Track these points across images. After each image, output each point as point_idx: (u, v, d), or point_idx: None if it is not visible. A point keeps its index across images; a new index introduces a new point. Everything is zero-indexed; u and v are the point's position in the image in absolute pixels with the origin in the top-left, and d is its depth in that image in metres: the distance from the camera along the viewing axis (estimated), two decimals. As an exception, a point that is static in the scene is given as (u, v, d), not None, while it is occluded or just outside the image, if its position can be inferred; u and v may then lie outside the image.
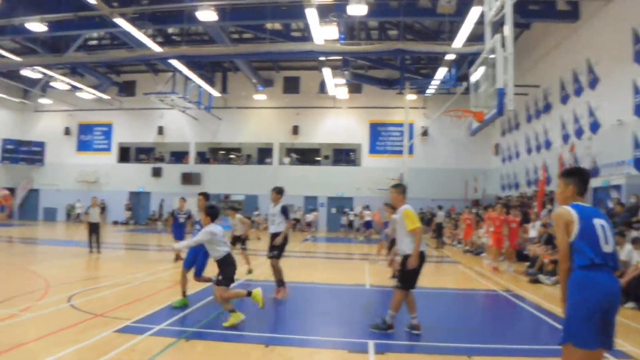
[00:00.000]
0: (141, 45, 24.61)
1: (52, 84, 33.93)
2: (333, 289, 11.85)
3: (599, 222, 4.18)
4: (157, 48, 24.55)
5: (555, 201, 9.55)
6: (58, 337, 6.80)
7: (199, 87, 32.33)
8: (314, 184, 36.60)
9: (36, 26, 21.52)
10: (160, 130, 39.11)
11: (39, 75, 31.13)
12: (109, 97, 37.82)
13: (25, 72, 30.08)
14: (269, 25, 25.83)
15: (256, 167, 38.21)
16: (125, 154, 41.20)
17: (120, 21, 20.87)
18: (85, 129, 40.67)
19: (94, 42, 32.29)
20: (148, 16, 22.80)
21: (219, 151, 41.48)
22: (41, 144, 40.61)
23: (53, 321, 7.69)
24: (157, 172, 38.63)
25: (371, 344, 6.89)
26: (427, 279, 11.31)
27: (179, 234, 15.31)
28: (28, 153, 40.18)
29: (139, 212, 39.16)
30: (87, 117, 40.23)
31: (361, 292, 11.66)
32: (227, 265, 7.88)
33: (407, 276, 7.28)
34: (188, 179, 37.79)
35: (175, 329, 7.43)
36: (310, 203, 36.85)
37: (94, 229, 17.38)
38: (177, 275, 12.40)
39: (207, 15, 19.70)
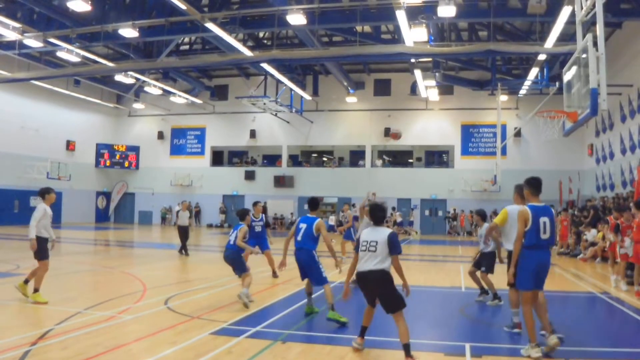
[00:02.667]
0: (232, 49, 24.71)
1: (145, 88, 34.79)
2: (428, 291, 11.60)
3: (542, 219, 6.48)
4: (248, 52, 24.61)
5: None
6: (157, 339, 6.85)
7: (291, 90, 32.20)
8: (407, 186, 36.00)
9: (128, 32, 21.82)
10: (253, 134, 39.29)
11: (132, 81, 32.00)
12: (201, 102, 38.40)
13: (119, 78, 30.91)
14: (358, 28, 25.49)
15: (348, 170, 37.97)
16: (218, 158, 41.85)
17: (211, 26, 20.99)
18: (178, 133, 41.66)
19: (186, 47, 32.84)
20: (238, 20, 22.86)
21: (311, 154, 41.42)
22: (135, 148, 41.90)
23: (151, 323, 7.75)
24: (250, 176, 38.91)
25: (467, 346, 6.74)
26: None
27: (254, 244, 12.41)
28: (122, 157, 41.61)
29: (233, 215, 39.68)
30: (180, 121, 41.18)
31: (457, 294, 11.40)
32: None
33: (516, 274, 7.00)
34: (281, 181, 37.84)
35: (272, 331, 7.33)
36: (403, 205, 36.18)
37: (183, 232, 17.49)
38: (269, 279, 12.25)
39: (296, 18, 19.60)
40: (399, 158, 39.88)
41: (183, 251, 17.42)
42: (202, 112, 39.88)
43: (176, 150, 41.48)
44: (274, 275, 12.59)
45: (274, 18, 21.94)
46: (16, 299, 9.15)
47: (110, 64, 28.15)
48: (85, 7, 19.34)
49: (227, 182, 39.43)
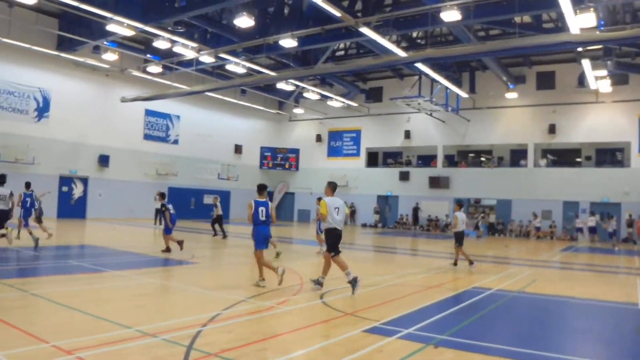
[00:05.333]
0: (386, 51, 24.95)
1: (304, 94, 36.40)
2: (595, 305, 10.44)
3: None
4: (401, 53, 24.70)
5: None
6: (310, 331, 7.15)
7: (446, 88, 31.72)
8: (574, 187, 33.18)
9: (288, 42, 23.10)
10: (407, 134, 39.41)
11: (292, 88, 33.68)
12: (356, 104, 39.25)
13: (280, 86, 32.86)
14: (517, 19, 24.40)
15: (508, 170, 35.98)
16: (373, 159, 42.46)
17: (365, 30, 21.35)
18: (335, 135, 43.01)
19: (341, 53, 33.87)
20: (391, 22, 23.11)
21: (468, 154, 40.09)
22: (295, 151, 44.06)
23: (306, 316, 8.17)
24: (404, 176, 39.03)
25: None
26: None
27: None
28: (284, 159, 43.98)
29: (387, 216, 40.19)
30: (336, 124, 42.52)
31: (631, 311, 10.05)
32: None
33: None
34: (436, 182, 37.43)
35: (424, 334, 7.15)
36: (570, 209, 33.39)
37: None
38: (426, 281, 12.35)
39: (451, 15, 19.05)
40: (565, 157, 36.69)
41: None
42: (358, 115, 40.75)
43: (333, 152, 42.86)
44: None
45: (428, 17, 21.78)
46: (193, 284, 10.41)
47: (272, 74, 29.90)
48: (249, 23, 21.02)
49: (381, 183, 39.96)
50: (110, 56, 28.46)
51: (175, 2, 23.05)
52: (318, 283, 10.40)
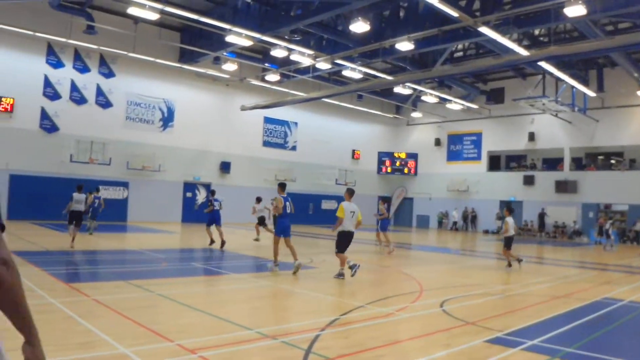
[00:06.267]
0: (507, 50, 24.17)
1: (422, 98, 35.96)
2: None
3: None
4: (523, 52, 23.76)
5: None
6: (431, 339, 6.93)
7: (572, 87, 30.10)
8: None
9: (404, 45, 23.02)
10: (531, 137, 37.73)
11: (410, 91, 33.31)
12: (476, 107, 38.19)
13: (397, 89, 32.68)
14: (649, 10, 22.81)
15: (642, 173, 33.53)
16: (495, 162, 41.10)
17: (484, 29, 20.75)
18: (454, 139, 42.08)
19: (459, 54, 33.12)
20: (512, 20, 22.30)
21: (597, 156, 37.84)
22: (414, 155, 43.55)
23: (426, 323, 7.92)
24: (528, 180, 37.41)
25: None
26: None
27: None
28: (402, 164, 43.60)
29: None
30: (456, 127, 41.56)
31: None
32: None
33: None
34: (562, 187, 35.51)
35: (550, 346, 6.77)
36: None
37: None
38: (552, 290, 11.74)
39: (575, 10, 18.07)
40: None
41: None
42: (478, 117, 39.61)
43: (452, 156, 41.97)
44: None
45: (550, 13, 20.84)
46: (312, 289, 10.48)
47: (389, 78, 29.83)
48: (365, 28, 21.02)
49: (504, 188, 38.47)
50: (230, 66, 29.80)
51: (291, 11, 23.58)
52: (340, 275, 11.87)
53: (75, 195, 16.80)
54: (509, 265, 16.05)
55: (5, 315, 2.00)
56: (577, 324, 8.33)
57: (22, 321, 2.04)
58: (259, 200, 22.03)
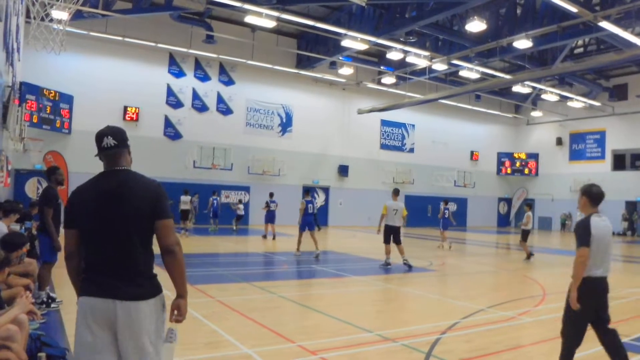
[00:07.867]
0: (630, 45, 23.10)
1: (542, 96, 34.82)
2: None
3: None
4: (646, 46, 22.70)
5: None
6: (554, 344, 6.54)
7: None
8: None
9: (522, 43, 22.64)
10: (659, 134, 35.54)
11: (529, 90, 32.45)
12: (599, 104, 36.38)
13: (516, 88, 31.82)
14: None
15: None
16: (619, 162, 38.88)
17: (604, 24, 20.03)
18: (576, 138, 40.25)
19: (580, 50, 31.75)
20: (634, 13, 21.21)
21: None
22: (534, 155, 42.12)
23: (551, 328, 7.58)
24: (658, 180, 35.19)
25: None
26: None
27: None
28: (522, 165, 42.35)
29: (638, 223, 36.51)
30: (578, 126, 39.73)
31: None
32: None
33: None
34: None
35: None
36: None
37: None
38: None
39: None
40: None
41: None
42: (601, 115, 37.69)
43: (575, 155, 40.18)
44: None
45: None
46: (431, 291, 10.69)
47: (507, 77, 29.24)
48: (481, 27, 20.93)
49: (629, 187, 36.28)
50: (346, 70, 30.41)
51: (406, 13, 23.69)
52: (387, 264, 13.90)
53: (182, 197, 22.36)
54: (528, 258, 17.30)
55: (172, 277, 3.23)
56: None
57: (182, 283, 3.26)
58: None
